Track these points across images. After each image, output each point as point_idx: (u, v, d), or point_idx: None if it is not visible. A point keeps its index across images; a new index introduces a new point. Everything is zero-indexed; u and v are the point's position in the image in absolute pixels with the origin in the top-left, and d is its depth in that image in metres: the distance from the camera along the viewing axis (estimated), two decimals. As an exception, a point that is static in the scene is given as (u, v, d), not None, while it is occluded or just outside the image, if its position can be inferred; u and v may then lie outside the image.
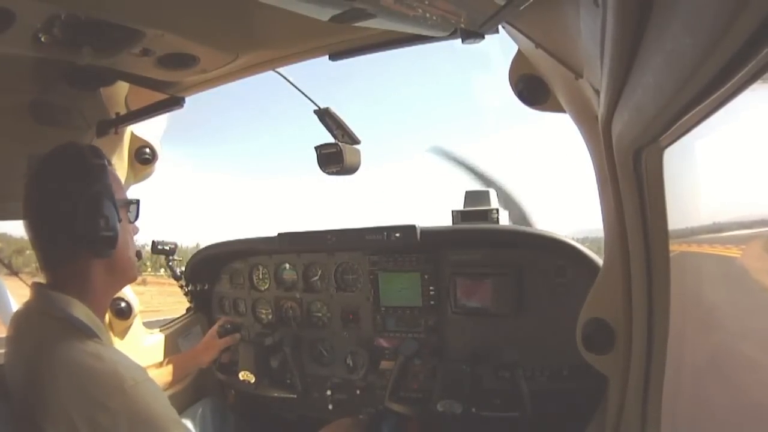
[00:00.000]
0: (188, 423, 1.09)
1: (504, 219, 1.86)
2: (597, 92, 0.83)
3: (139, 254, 1.20)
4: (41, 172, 1.05)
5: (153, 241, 1.98)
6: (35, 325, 1.02)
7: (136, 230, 1.19)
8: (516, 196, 2.54)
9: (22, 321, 1.05)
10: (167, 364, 1.70)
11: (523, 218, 2.50)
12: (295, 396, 1.92)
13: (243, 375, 1.87)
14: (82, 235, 1.00)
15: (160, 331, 2.09)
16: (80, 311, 1.01)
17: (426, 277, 1.75)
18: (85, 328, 1.00)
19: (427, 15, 0.83)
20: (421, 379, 1.77)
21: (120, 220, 1.06)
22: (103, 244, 1.02)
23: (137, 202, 1.18)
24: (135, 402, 0.92)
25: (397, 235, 1.73)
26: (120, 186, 1.14)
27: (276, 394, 1.94)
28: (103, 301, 1.11)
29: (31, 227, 1.05)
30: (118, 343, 1.85)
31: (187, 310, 2.22)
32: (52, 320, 0.99)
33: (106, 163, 1.07)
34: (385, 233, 1.75)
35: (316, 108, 1.49)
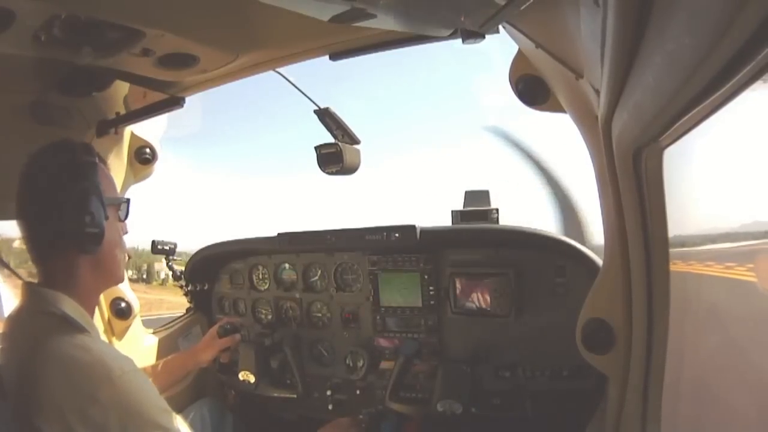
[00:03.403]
0: (186, 422, 1.09)
1: (554, 226, 1.76)
2: (597, 92, 0.83)
3: (127, 254, 1.20)
4: (32, 168, 1.06)
5: (153, 241, 1.98)
6: (26, 322, 1.03)
7: (124, 230, 1.19)
8: (574, 197, 2.18)
9: (15, 320, 1.06)
10: (166, 363, 1.70)
11: (578, 224, 2.12)
12: (296, 396, 1.92)
13: (243, 375, 1.87)
14: (68, 230, 1.01)
15: (160, 331, 2.09)
16: (69, 306, 1.02)
17: (426, 277, 1.75)
18: (74, 323, 1.00)
19: (428, 15, 0.83)
20: (421, 379, 1.77)
21: (107, 218, 1.06)
22: (88, 240, 1.03)
23: (127, 201, 1.18)
24: (124, 392, 0.93)
25: (397, 235, 1.73)
26: (111, 185, 1.15)
27: (276, 394, 1.95)
28: (91, 297, 1.12)
29: (22, 222, 1.06)
30: (117, 344, 1.85)
31: (187, 310, 2.22)
32: (42, 316, 1.00)
33: (97, 160, 1.08)
34: (385, 233, 1.75)
35: (316, 108, 1.49)
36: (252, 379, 1.86)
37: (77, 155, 1.05)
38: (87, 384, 0.92)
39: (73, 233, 1.01)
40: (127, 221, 1.19)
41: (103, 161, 1.13)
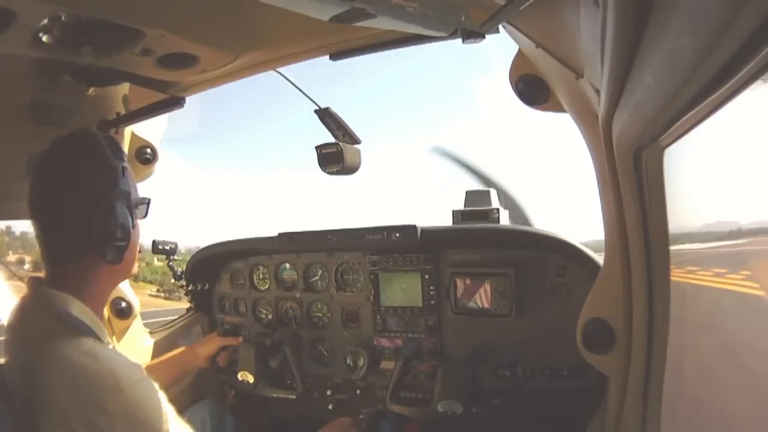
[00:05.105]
0: (187, 425, 1.09)
1: (504, 219, 1.85)
2: (597, 92, 0.83)
3: (140, 248, 1.18)
4: (55, 161, 1.01)
5: (153, 241, 1.98)
6: (31, 323, 1.00)
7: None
8: (517, 197, 2.43)
9: (19, 319, 1.03)
10: (166, 362, 1.69)
11: (524, 222, 2.39)
12: (295, 396, 1.92)
13: (242, 375, 1.86)
14: (95, 240, 0.99)
15: (160, 331, 2.09)
16: (78, 309, 0.99)
17: (426, 277, 1.75)
18: (83, 327, 0.98)
19: (428, 15, 0.83)
20: (422, 380, 1.77)
21: (134, 226, 1.04)
22: (116, 253, 1.01)
23: (148, 201, 1.16)
24: (133, 402, 0.91)
25: (398, 234, 1.73)
26: (134, 184, 1.12)
27: (275, 395, 1.94)
28: (102, 298, 1.10)
29: (38, 220, 1.02)
30: (117, 344, 1.85)
31: (187, 310, 2.23)
32: (48, 318, 0.97)
33: (127, 164, 1.05)
34: (386, 233, 1.75)
35: (317, 108, 1.49)
36: (251, 379, 1.86)
37: (108, 158, 1.01)
38: (95, 393, 0.90)
39: (100, 244, 0.99)
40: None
41: (126, 156, 1.10)
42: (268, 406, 2.10)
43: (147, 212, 1.17)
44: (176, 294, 13.49)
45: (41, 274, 1.06)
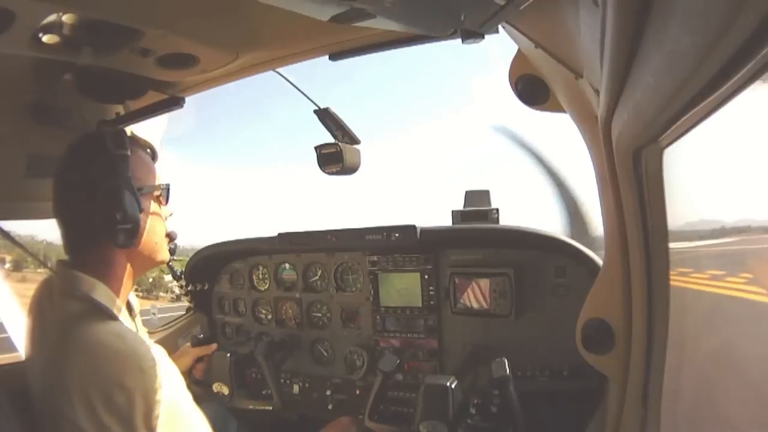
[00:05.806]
0: (203, 414, 1.11)
1: (559, 227, 1.76)
2: (597, 92, 0.83)
3: (171, 236, 1.22)
4: (66, 160, 1.07)
5: None
6: (57, 304, 1.04)
7: (169, 212, 1.21)
8: (582, 198, 2.07)
9: (45, 300, 1.07)
10: None
11: (584, 228, 2.02)
12: (272, 408, 1.85)
13: (217, 387, 1.80)
14: (101, 227, 1.02)
15: (159, 331, 2.09)
16: (102, 294, 1.03)
17: (426, 277, 1.75)
18: (107, 310, 1.01)
19: (428, 15, 0.83)
20: (403, 396, 1.75)
21: (142, 210, 1.06)
22: (123, 236, 1.04)
23: (167, 186, 1.19)
24: (151, 382, 0.93)
25: (397, 235, 1.73)
26: (149, 171, 1.15)
27: (252, 407, 1.87)
28: (127, 283, 1.13)
29: (56, 213, 1.07)
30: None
31: (187, 310, 2.23)
32: (74, 301, 1.01)
33: (129, 152, 1.07)
34: (385, 233, 1.75)
35: (316, 108, 1.49)
36: (226, 391, 1.78)
37: (108, 148, 1.05)
38: (116, 370, 0.93)
39: (106, 230, 1.02)
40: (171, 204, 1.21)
41: (140, 145, 1.14)
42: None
43: (168, 197, 1.20)
44: (154, 293, 13.64)
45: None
